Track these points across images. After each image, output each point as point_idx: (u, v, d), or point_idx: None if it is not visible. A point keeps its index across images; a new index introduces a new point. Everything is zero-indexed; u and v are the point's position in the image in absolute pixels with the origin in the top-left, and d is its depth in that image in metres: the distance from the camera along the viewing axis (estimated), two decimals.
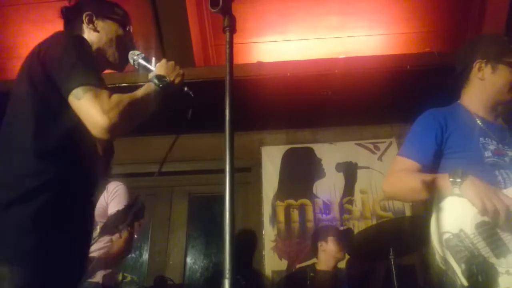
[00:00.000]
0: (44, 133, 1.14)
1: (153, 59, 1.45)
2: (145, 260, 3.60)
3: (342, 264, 2.92)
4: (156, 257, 3.57)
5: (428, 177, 1.50)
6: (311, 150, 3.82)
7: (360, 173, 3.69)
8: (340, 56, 3.42)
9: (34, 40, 1.30)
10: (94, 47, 1.40)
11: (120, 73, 1.78)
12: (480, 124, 1.63)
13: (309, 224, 3.50)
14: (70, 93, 1.12)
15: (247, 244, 3.51)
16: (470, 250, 1.33)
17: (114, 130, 1.11)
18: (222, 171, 0.88)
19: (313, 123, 3.79)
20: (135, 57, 1.46)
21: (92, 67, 1.20)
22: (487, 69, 1.66)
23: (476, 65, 1.68)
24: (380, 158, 3.73)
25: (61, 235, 1.10)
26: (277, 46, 3.57)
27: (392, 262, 2.25)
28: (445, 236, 1.37)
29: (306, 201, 3.61)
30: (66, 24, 1.47)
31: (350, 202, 3.59)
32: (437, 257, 1.40)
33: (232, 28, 1.02)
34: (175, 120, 1.37)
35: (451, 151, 1.58)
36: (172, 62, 1.41)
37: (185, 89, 1.40)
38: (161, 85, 1.30)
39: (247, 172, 3.76)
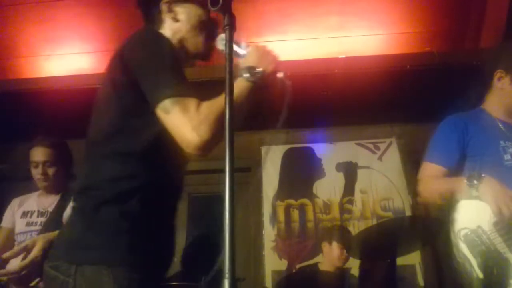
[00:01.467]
0: (133, 138, 1.11)
1: (243, 43, 1.26)
2: None
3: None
4: None
5: (450, 180, 1.60)
6: (311, 150, 3.82)
7: (360, 173, 3.69)
8: (340, 56, 3.42)
9: (34, 40, 1.29)
10: (177, 37, 1.28)
11: None
12: (502, 128, 1.69)
13: (309, 224, 3.50)
14: (157, 105, 1.04)
15: (247, 244, 3.50)
16: (487, 245, 1.41)
17: (206, 146, 1.02)
18: (222, 171, 0.87)
19: (313, 123, 3.79)
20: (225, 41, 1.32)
21: (177, 72, 1.09)
22: (506, 80, 1.71)
23: (496, 74, 1.73)
24: (380, 158, 3.73)
25: (150, 236, 1.09)
26: (276, 46, 3.56)
27: (392, 262, 2.25)
28: (463, 232, 1.46)
29: (306, 201, 3.60)
30: (145, 17, 1.34)
31: (350, 202, 3.58)
32: (455, 250, 1.48)
33: (232, 27, 1.01)
34: None
35: (472, 154, 1.65)
36: (263, 46, 1.23)
37: (280, 75, 1.22)
38: (254, 80, 1.14)
39: (247, 172, 3.75)
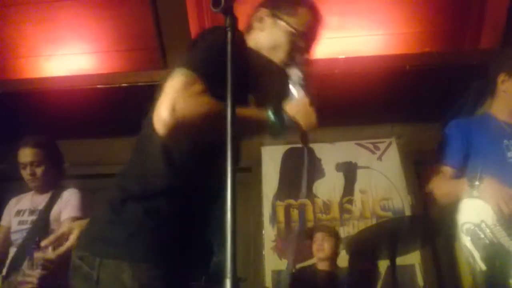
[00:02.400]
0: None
1: (301, 90, 1.26)
2: None
3: (343, 264, 2.92)
4: None
5: (455, 182, 1.67)
6: (311, 150, 3.82)
7: (360, 173, 3.69)
8: (340, 56, 3.42)
9: (34, 41, 1.28)
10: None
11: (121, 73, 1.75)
12: (506, 128, 1.73)
13: (309, 224, 3.51)
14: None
15: (247, 243, 3.51)
16: (490, 239, 1.46)
17: (169, 127, 0.92)
18: None
19: None
20: (294, 76, 1.28)
21: (212, 59, 1.00)
22: (510, 83, 1.75)
23: (500, 78, 1.77)
24: (379, 158, 3.73)
25: (176, 237, 1.07)
26: None
27: (392, 262, 2.25)
28: (466, 226, 1.52)
29: (306, 201, 3.61)
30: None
31: (350, 202, 3.59)
32: (459, 244, 1.55)
33: (233, 28, 1.01)
34: None
35: (476, 153, 1.70)
36: (311, 110, 1.25)
37: (304, 143, 1.20)
38: (272, 121, 1.11)
39: (247, 172, 3.76)
